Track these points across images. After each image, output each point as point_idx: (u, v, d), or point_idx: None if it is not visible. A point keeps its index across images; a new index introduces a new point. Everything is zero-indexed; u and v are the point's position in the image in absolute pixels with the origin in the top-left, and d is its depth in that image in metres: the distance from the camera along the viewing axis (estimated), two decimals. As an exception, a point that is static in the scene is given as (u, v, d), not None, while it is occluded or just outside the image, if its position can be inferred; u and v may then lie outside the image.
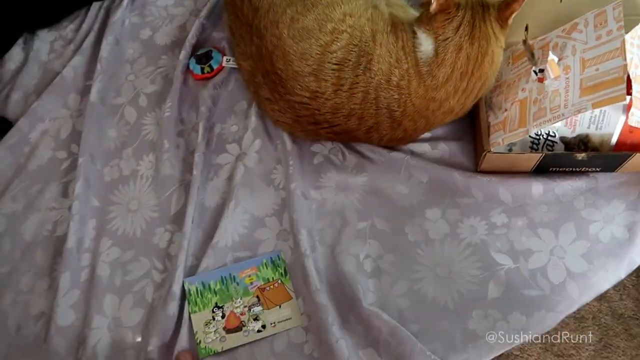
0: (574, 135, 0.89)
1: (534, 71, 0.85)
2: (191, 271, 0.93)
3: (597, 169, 0.91)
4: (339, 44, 0.89)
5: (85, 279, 0.94)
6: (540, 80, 0.84)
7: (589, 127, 0.87)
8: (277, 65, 0.92)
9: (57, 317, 0.90)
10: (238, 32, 0.99)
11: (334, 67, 0.88)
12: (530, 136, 0.89)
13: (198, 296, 0.91)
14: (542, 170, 0.92)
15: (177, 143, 1.05)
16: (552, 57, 0.82)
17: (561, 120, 0.79)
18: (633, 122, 0.81)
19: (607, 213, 0.89)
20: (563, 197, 0.92)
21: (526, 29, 0.90)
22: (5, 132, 1.11)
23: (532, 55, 0.87)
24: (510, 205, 0.92)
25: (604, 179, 0.92)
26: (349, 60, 0.88)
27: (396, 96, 0.88)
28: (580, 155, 0.86)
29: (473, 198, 0.94)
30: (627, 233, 0.87)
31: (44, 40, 1.23)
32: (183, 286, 0.90)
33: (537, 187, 0.92)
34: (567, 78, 0.81)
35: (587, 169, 0.90)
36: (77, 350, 0.89)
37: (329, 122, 0.92)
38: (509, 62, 0.93)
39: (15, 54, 1.21)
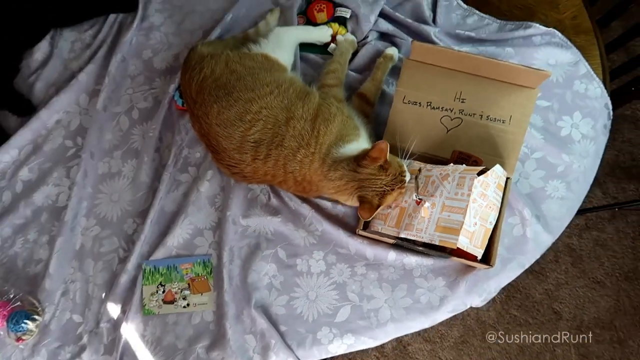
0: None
1: (416, 195, 1.20)
2: (146, 255, 1.34)
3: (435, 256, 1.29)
4: (255, 128, 1.22)
5: (73, 242, 1.36)
6: (417, 203, 1.19)
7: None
8: (212, 142, 1.27)
9: (50, 266, 1.33)
10: (187, 107, 1.32)
11: (252, 144, 1.22)
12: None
13: (150, 274, 1.33)
14: (399, 245, 1.30)
15: (153, 157, 1.42)
16: (427, 205, 1.16)
17: (421, 239, 1.16)
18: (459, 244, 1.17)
19: (431, 284, 1.29)
20: (407, 266, 1.31)
21: (420, 171, 1.23)
22: (29, 113, 1.46)
23: (417, 188, 1.21)
24: (371, 262, 1.32)
25: (438, 261, 1.30)
26: (264, 139, 1.22)
27: (298, 168, 1.23)
28: (419, 248, 1.25)
29: (348, 251, 1.32)
30: (438, 302, 1.28)
31: (67, 40, 1.54)
32: (138, 265, 1.33)
33: (392, 255, 1.30)
34: (432, 212, 1.16)
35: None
36: (61, 291, 1.33)
37: (252, 177, 1.29)
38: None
39: (43, 46, 1.53)
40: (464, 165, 1.21)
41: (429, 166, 1.23)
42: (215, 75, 1.26)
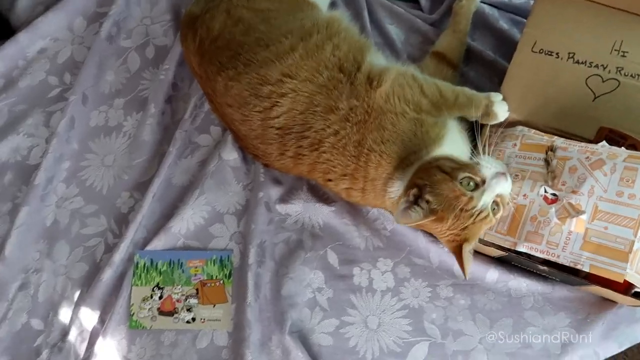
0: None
1: (545, 189, 0.80)
2: (142, 244, 0.97)
3: (559, 280, 0.90)
4: (279, 109, 0.85)
5: (43, 216, 1.00)
6: (549, 202, 0.81)
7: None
8: (230, 126, 0.95)
9: (7, 246, 0.97)
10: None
11: (276, 133, 0.87)
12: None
13: (144, 271, 0.96)
14: (505, 260, 0.91)
15: (163, 109, 1.06)
16: (583, 217, 0.77)
17: (555, 260, 0.78)
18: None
19: (549, 322, 0.90)
20: (515, 292, 0.92)
21: (553, 149, 0.84)
22: (4, 37, 1.11)
23: (554, 178, 0.82)
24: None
25: (560, 288, 0.92)
26: (292, 128, 0.85)
27: (345, 190, 0.89)
28: (543, 267, 0.84)
29: (428, 262, 0.95)
30: (559, 349, 0.89)
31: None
32: (130, 257, 0.95)
33: (493, 274, 0.93)
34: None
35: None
36: (19, 283, 0.96)
37: (289, 172, 0.96)
38: (515, 145, 0.88)
39: (34, -47, 1.18)
40: (624, 149, 0.80)
41: (562, 141, 0.83)
42: (214, 33, 0.91)
